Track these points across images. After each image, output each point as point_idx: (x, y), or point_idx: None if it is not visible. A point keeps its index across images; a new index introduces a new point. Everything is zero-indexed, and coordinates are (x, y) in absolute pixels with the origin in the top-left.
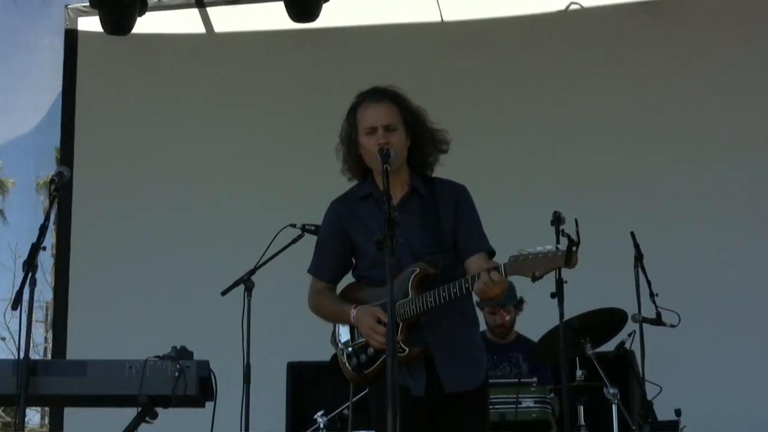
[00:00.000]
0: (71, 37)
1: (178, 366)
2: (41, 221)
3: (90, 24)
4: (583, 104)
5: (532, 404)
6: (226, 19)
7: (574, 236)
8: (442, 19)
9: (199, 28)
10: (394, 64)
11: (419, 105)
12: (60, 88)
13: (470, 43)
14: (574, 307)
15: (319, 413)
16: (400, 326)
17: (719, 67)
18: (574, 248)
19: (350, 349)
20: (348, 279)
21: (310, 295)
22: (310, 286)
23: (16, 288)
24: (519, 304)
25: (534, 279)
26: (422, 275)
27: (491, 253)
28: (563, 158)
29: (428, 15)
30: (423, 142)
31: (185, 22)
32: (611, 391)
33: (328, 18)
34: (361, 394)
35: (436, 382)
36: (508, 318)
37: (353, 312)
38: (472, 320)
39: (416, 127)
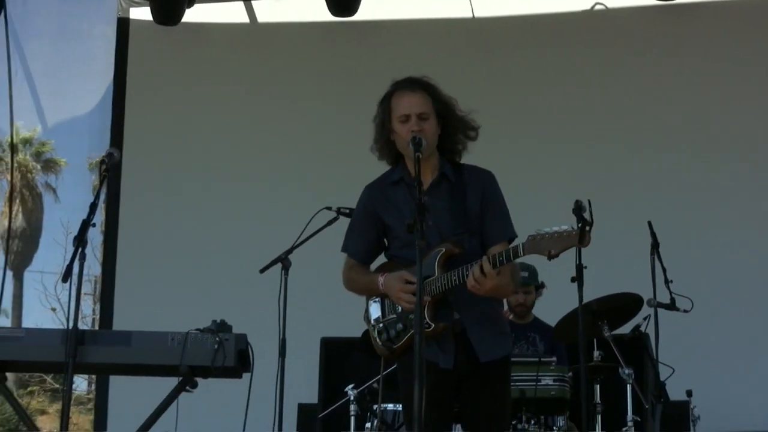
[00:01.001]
0: (123, 25)
1: (217, 339)
2: (92, 199)
3: (141, 14)
4: (604, 99)
5: (551, 382)
6: (269, 12)
7: (588, 217)
8: (473, 15)
9: (244, 20)
10: (426, 56)
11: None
12: (111, 74)
13: (499, 39)
14: (593, 291)
15: (350, 386)
16: (427, 303)
17: (737, 67)
18: (587, 228)
19: (381, 325)
20: (380, 259)
21: (344, 271)
22: (344, 264)
23: (67, 262)
24: (540, 288)
25: (550, 257)
26: (448, 254)
27: (513, 239)
28: (585, 151)
29: (460, 10)
30: (453, 130)
31: (231, 13)
32: (626, 371)
33: (364, 11)
34: (389, 369)
35: (465, 356)
36: (530, 298)
37: (381, 279)
38: (497, 299)
39: (447, 116)
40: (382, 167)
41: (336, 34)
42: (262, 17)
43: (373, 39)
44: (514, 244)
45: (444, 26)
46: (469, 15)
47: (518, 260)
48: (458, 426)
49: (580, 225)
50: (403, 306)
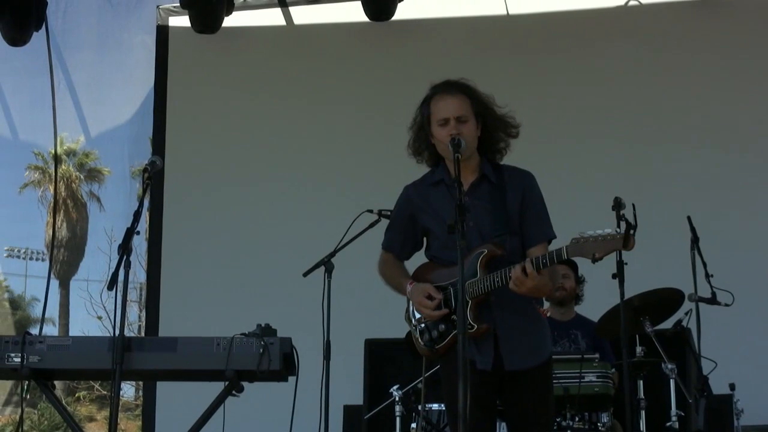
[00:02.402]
0: (162, 32)
1: (262, 342)
2: (135, 207)
3: (180, 22)
4: (641, 96)
5: (594, 379)
6: (306, 18)
7: (632, 220)
8: (507, 12)
9: (283, 28)
10: (462, 55)
11: (486, 92)
12: (152, 83)
13: (534, 36)
14: (634, 287)
15: (395, 387)
16: (470, 304)
17: None
18: (631, 231)
19: (423, 325)
20: (421, 258)
21: (379, 262)
22: (380, 255)
23: (112, 270)
24: (580, 283)
25: (594, 260)
26: (490, 256)
27: (552, 240)
28: (624, 147)
29: (495, 8)
30: (493, 129)
31: (268, 19)
32: (669, 366)
33: (399, 11)
34: (433, 369)
35: (502, 357)
36: (568, 282)
37: (408, 287)
38: (537, 300)
39: (486, 117)
40: (423, 168)
41: (372, 34)
42: (298, 21)
43: (408, 38)
44: (557, 246)
45: (479, 24)
46: (503, 12)
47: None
48: (503, 424)
49: (625, 229)
50: (424, 315)
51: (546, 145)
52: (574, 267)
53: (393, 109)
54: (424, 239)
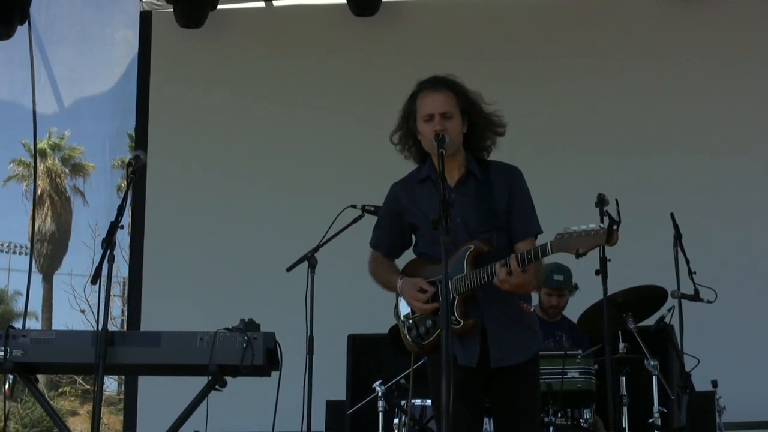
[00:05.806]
0: (145, 25)
1: (246, 337)
2: (116, 202)
3: (164, 17)
4: (624, 87)
5: (577, 375)
6: (290, 10)
7: (615, 216)
8: None
9: (267, 20)
10: (445, 38)
11: (473, 89)
12: (133, 77)
13: (515, 20)
14: (617, 284)
15: (378, 382)
16: (456, 300)
17: (756, 58)
18: (615, 227)
19: (410, 321)
20: (409, 255)
21: (369, 261)
22: (370, 254)
23: (96, 264)
24: (573, 289)
25: (578, 256)
26: (477, 252)
27: (538, 235)
28: (608, 143)
29: None
30: (480, 127)
31: (253, 13)
32: (652, 363)
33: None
34: (417, 364)
35: (489, 354)
36: (563, 300)
37: (399, 282)
38: (526, 295)
39: (473, 113)
40: (409, 163)
41: (356, 26)
42: (282, 14)
43: (391, 27)
44: (542, 242)
45: (461, 7)
46: None
47: (553, 261)
48: (490, 420)
49: (608, 224)
50: (415, 309)
51: (529, 139)
52: (569, 286)
53: (378, 103)
54: (413, 236)
